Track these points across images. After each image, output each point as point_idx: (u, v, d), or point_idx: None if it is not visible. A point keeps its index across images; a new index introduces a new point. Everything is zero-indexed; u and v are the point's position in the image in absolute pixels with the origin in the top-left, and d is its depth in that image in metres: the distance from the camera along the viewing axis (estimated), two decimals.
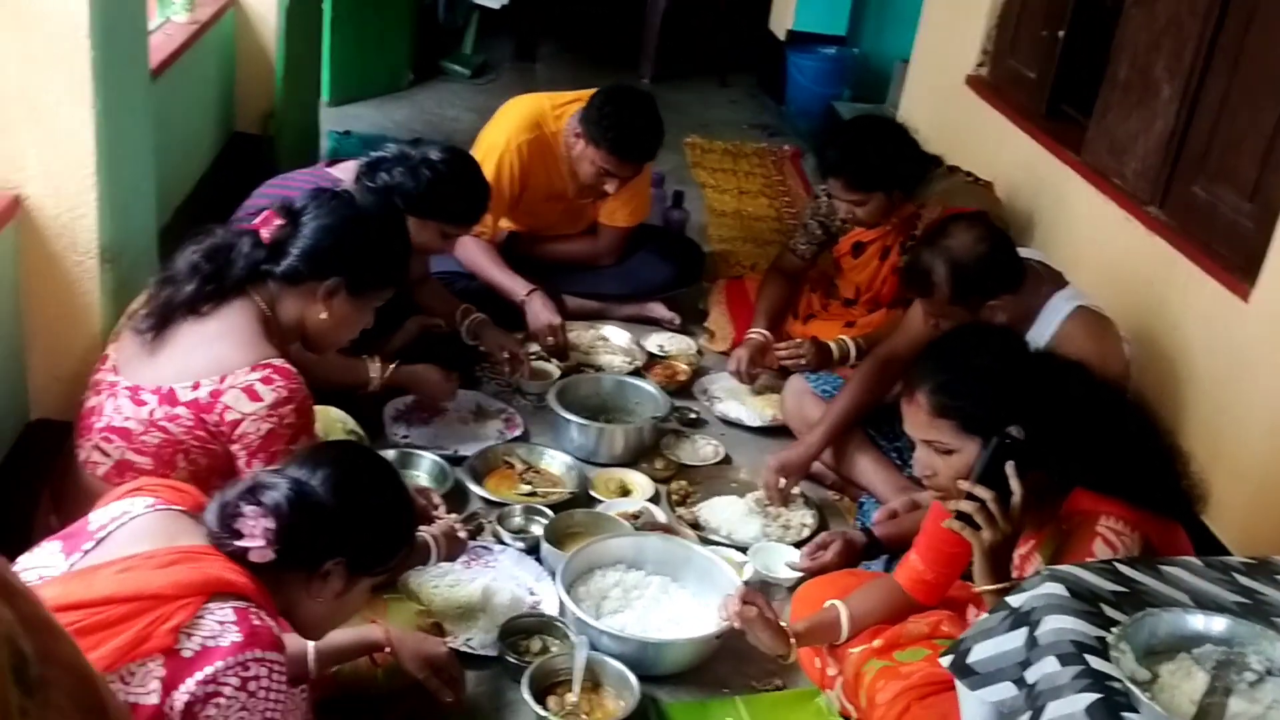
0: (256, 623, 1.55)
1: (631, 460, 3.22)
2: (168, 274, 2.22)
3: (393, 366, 3.04)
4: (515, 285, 3.63)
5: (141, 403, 2.14)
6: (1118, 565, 1.57)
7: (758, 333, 3.58)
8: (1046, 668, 1.39)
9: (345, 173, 2.99)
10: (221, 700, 1.49)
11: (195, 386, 2.12)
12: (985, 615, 1.61)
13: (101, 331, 2.44)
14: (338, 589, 1.74)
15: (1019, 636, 1.49)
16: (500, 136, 3.64)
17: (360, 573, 1.77)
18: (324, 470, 1.74)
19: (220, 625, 1.52)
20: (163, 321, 2.17)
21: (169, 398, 2.12)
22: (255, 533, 1.64)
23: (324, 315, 2.29)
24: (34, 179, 2.32)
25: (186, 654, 1.49)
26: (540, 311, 3.59)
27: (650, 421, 3.30)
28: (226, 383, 2.11)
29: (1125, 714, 1.27)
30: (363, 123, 5.31)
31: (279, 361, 2.16)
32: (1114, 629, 1.36)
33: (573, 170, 3.67)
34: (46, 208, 2.34)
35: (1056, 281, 2.84)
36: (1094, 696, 1.30)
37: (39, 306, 2.44)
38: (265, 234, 2.25)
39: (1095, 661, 1.34)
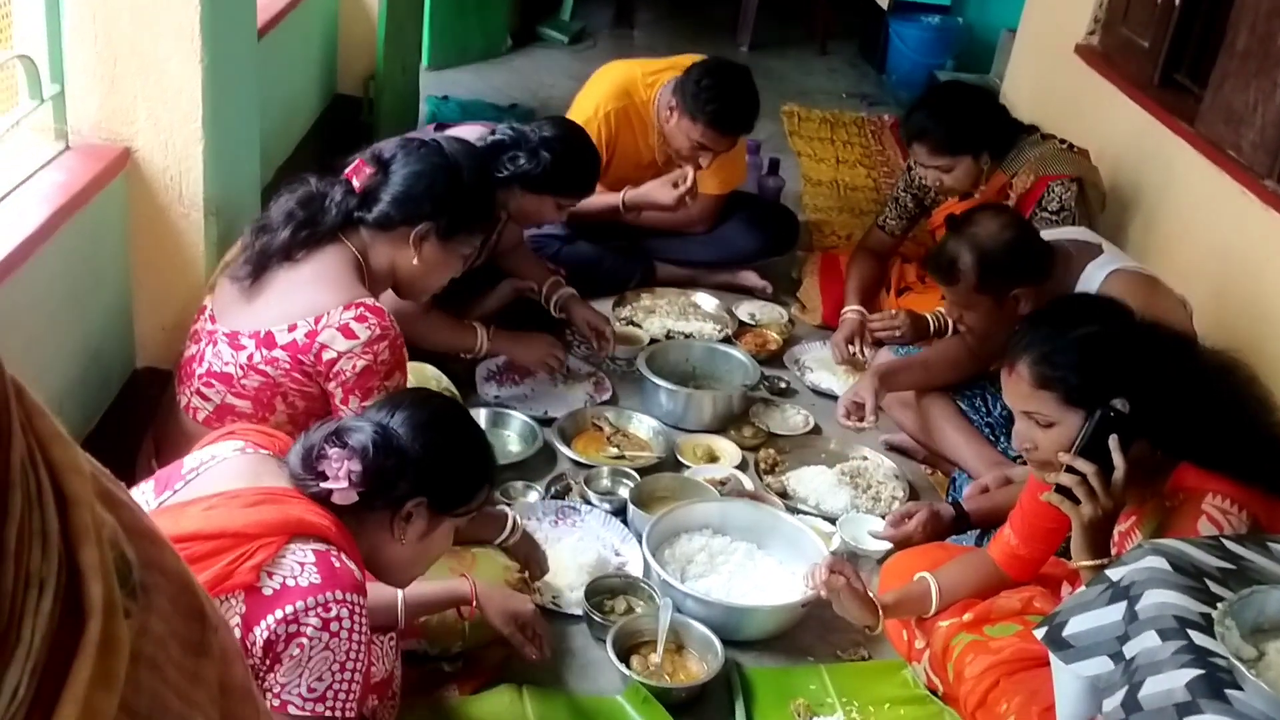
0: (337, 565, 1.58)
1: (720, 427, 3.21)
2: (263, 223, 2.27)
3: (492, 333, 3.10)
4: (609, 197, 3.63)
5: (240, 347, 2.19)
6: (1224, 541, 1.51)
7: (854, 310, 3.53)
8: (1146, 642, 1.36)
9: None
10: (304, 640, 1.52)
11: (292, 328, 2.16)
12: (1082, 588, 1.57)
13: (206, 282, 2.50)
14: (421, 529, 1.77)
15: (1117, 610, 1.45)
16: (590, 104, 3.64)
17: (443, 512, 1.79)
18: (405, 412, 1.76)
19: (301, 566, 1.55)
20: (259, 269, 2.22)
21: (266, 341, 2.17)
22: (340, 474, 1.66)
23: (415, 261, 2.33)
24: (143, 132, 2.37)
25: (267, 592, 1.52)
26: (652, 188, 3.59)
27: (740, 389, 3.28)
28: (322, 323, 2.15)
29: (1229, 691, 1.23)
30: (460, 88, 5.34)
31: (371, 301, 2.20)
32: (1220, 605, 1.31)
33: (662, 139, 3.65)
34: (155, 160, 2.39)
35: (1089, 253, 2.76)
36: (1196, 672, 1.26)
37: (146, 257, 2.50)
38: (357, 182, 2.30)
39: (1198, 637, 1.30)
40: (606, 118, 3.62)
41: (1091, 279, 2.68)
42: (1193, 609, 1.35)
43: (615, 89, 3.64)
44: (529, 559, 2.41)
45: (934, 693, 2.34)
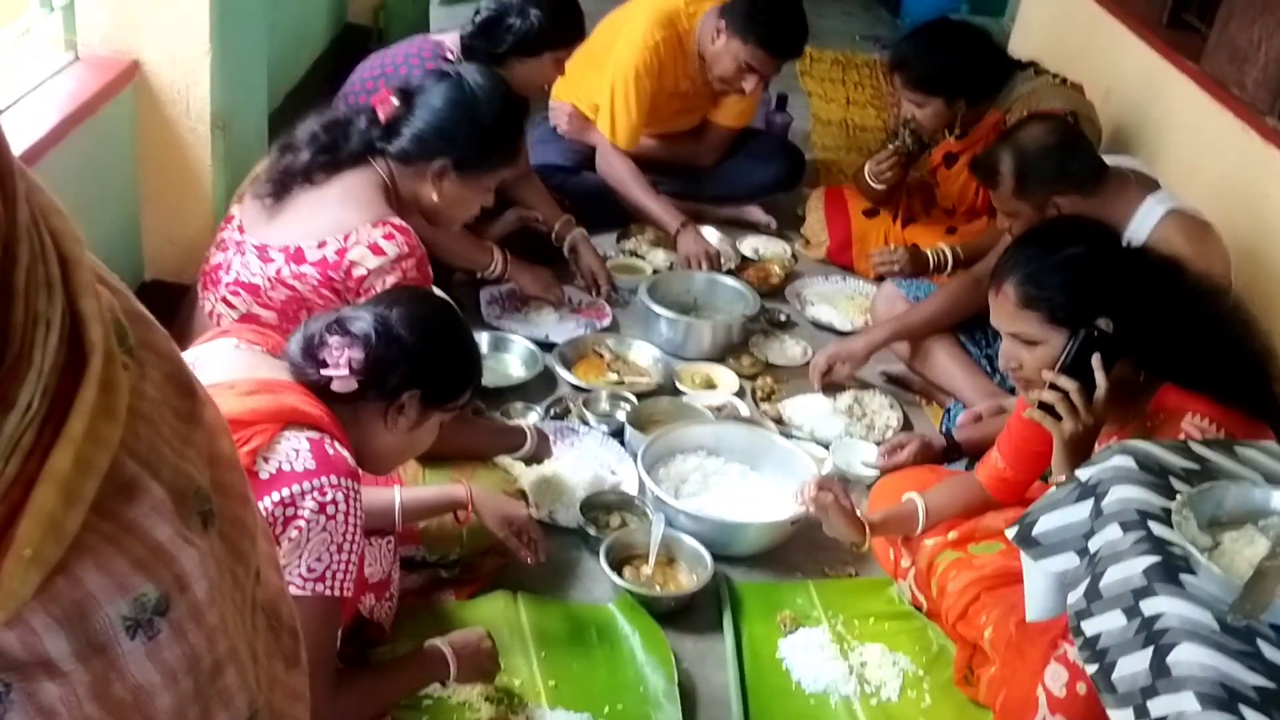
0: (331, 452, 1.64)
1: (719, 356, 3.25)
2: (287, 142, 2.32)
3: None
4: (667, 217, 3.66)
5: (269, 260, 2.24)
6: (1191, 444, 1.56)
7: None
8: (1109, 535, 1.40)
9: (450, 38, 3.07)
10: (301, 522, 1.58)
11: (321, 245, 2.22)
12: (1053, 489, 1.61)
13: (213, 197, 2.55)
14: (412, 420, 1.83)
15: (1085, 508, 1.50)
16: (640, 33, 3.61)
17: (433, 406, 1.85)
18: (403, 308, 1.82)
19: (295, 452, 1.60)
20: (281, 187, 2.27)
21: (296, 256, 2.23)
22: (340, 362, 1.72)
23: (435, 196, 2.36)
24: (151, 46, 2.40)
25: (263, 476, 1.58)
26: (695, 245, 3.61)
27: (739, 319, 3.32)
28: (351, 240, 2.21)
29: (1183, 575, 1.28)
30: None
31: (397, 220, 2.25)
32: (1178, 497, 1.36)
33: (701, 70, 3.64)
34: (163, 74, 2.43)
35: (1148, 186, 2.77)
36: (1153, 559, 1.31)
37: (154, 171, 2.54)
38: (381, 113, 2.33)
39: (1157, 528, 1.34)
40: (656, 48, 3.61)
41: (1152, 212, 2.69)
42: (1155, 503, 1.39)
43: (662, 17, 3.62)
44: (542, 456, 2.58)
45: (918, 609, 2.40)
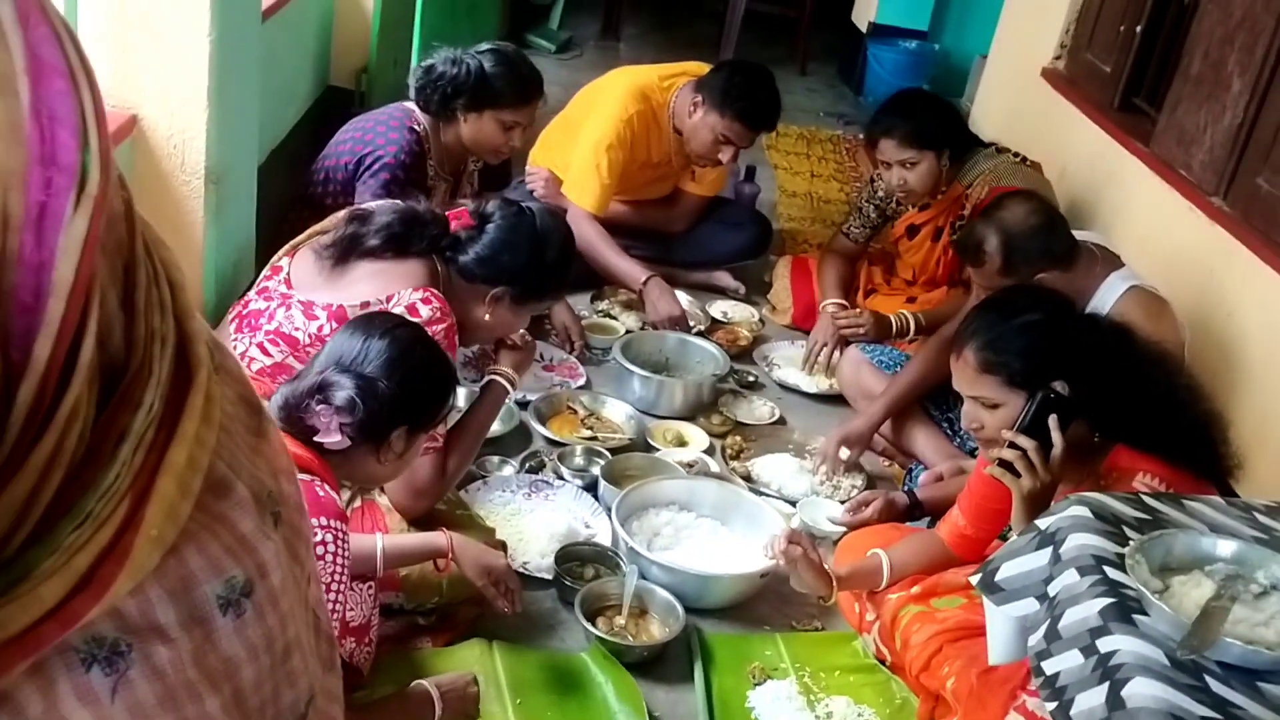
0: (321, 494, 1.70)
1: (690, 415, 3.34)
2: (362, 213, 2.44)
3: None
4: (633, 271, 3.73)
5: (314, 317, 2.33)
6: (1143, 496, 1.66)
7: (834, 303, 3.67)
8: (1067, 580, 1.49)
9: (419, 110, 3.20)
10: None
11: (364, 306, 2.30)
12: (1014, 538, 1.70)
13: (204, 249, 2.61)
14: (400, 450, 1.93)
15: (1044, 555, 1.59)
16: (616, 107, 3.73)
17: (419, 430, 1.96)
18: (376, 352, 1.90)
19: None
20: (344, 254, 2.39)
21: (338, 314, 2.31)
22: (331, 427, 1.79)
23: (487, 317, 2.48)
24: (150, 100, 2.48)
25: None
26: (659, 301, 3.68)
27: (710, 379, 3.41)
28: (392, 302, 2.31)
29: (1136, 615, 1.37)
30: None
31: (436, 292, 2.36)
32: (1130, 543, 1.45)
33: (675, 141, 3.77)
34: (160, 128, 2.50)
35: (1112, 263, 2.91)
36: (1108, 601, 1.40)
37: (148, 221, 2.60)
38: (455, 226, 2.45)
39: (1112, 572, 1.44)
40: (631, 121, 3.72)
41: (1114, 288, 2.82)
42: (1109, 549, 1.49)
43: (635, 91, 3.75)
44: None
45: (882, 663, 2.47)
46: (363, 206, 2.51)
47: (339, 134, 3.24)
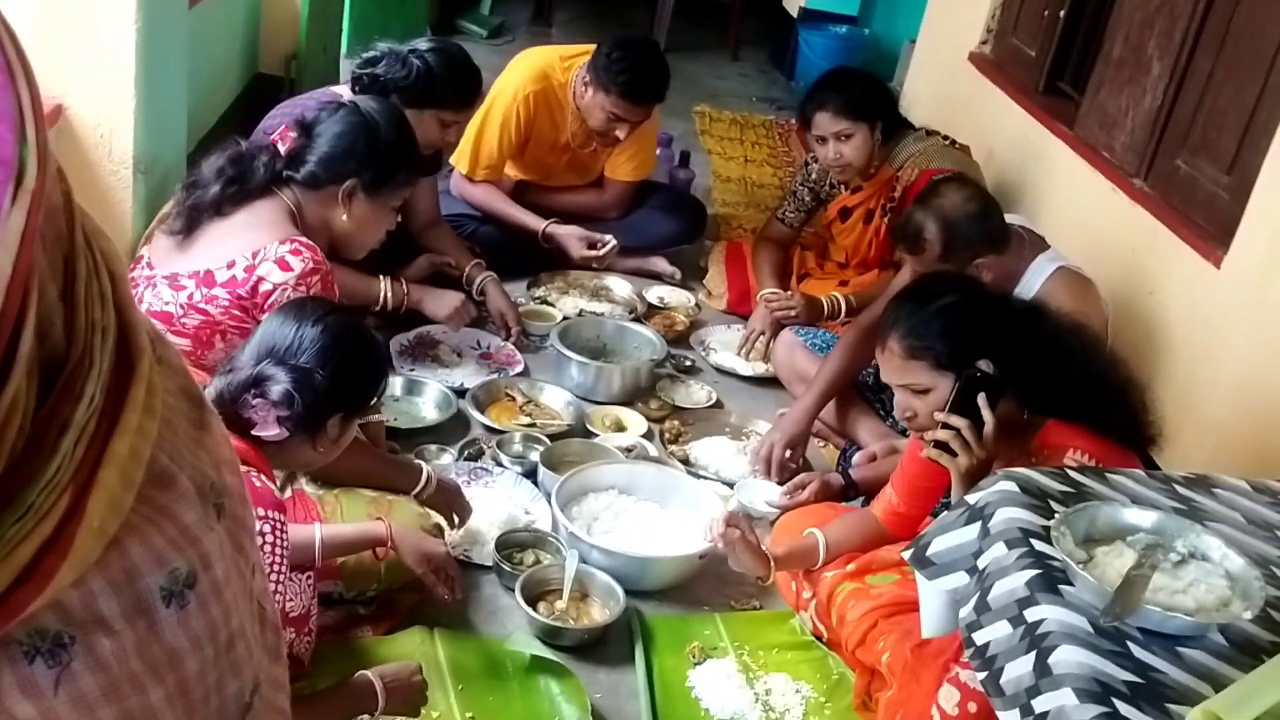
0: (258, 484, 1.70)
1: (628, 400, 3.35)
2: (193, 179, 2.39)
3: (405, 287, 3.21)
4: (530, 219, 3.83)
5: (180, 287, 2.30)
6: (1068, 470, 1.71)
7: (770, 292, 3.69)
8: (995, 553, 1.54)
9: (346, 90, 3.17)
10: None
11: (230, 265, 2.28)
12: (945, 514, 1.75)
13: (132, 239, 2.58)
14: (334, 436, 1.94)
15: (973, 530, 1.63)
16: (509, 87, 3.78)
17: (353, 416, 1.97)
18: (309, 340, 1.90)
19: None
20: (191, 222, 2.34)
21: (206, 280, 2.29)
22: (269, 420, 1.79)
23: (345, 217, 2.45)
24: (75, 89, 2.45)
25: None
26: (568, 239, 3.79)
27: (648, 364, 3.43)
28: (259, 257, 2.28)
29: (1062, 585, 1.42)
30: None
31: (304, 238, 2.34)
32: (1055, 516, 1.50)
33: (579, 120, 3.80)
34: (86, 117, 2.47)
35: (1038, 245, 2.98)
36: (1035, 572, 1.44)
37: (87, 212, 2.57)
38: (283, 147, 2.42)
39: (1039, 544, 1.48)
40: (525, 100, 3.75)
41: (1041, 269, 2.88)
42: (1036, 522, 1.53)
43: (534, 72, 3.78)
44: (451, 507, 2.52)
45: (819, 639, 2.52)
46: (192, 174, 2.47)
47: (267, 118, 3.19)
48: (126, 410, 0.59)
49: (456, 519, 2.54)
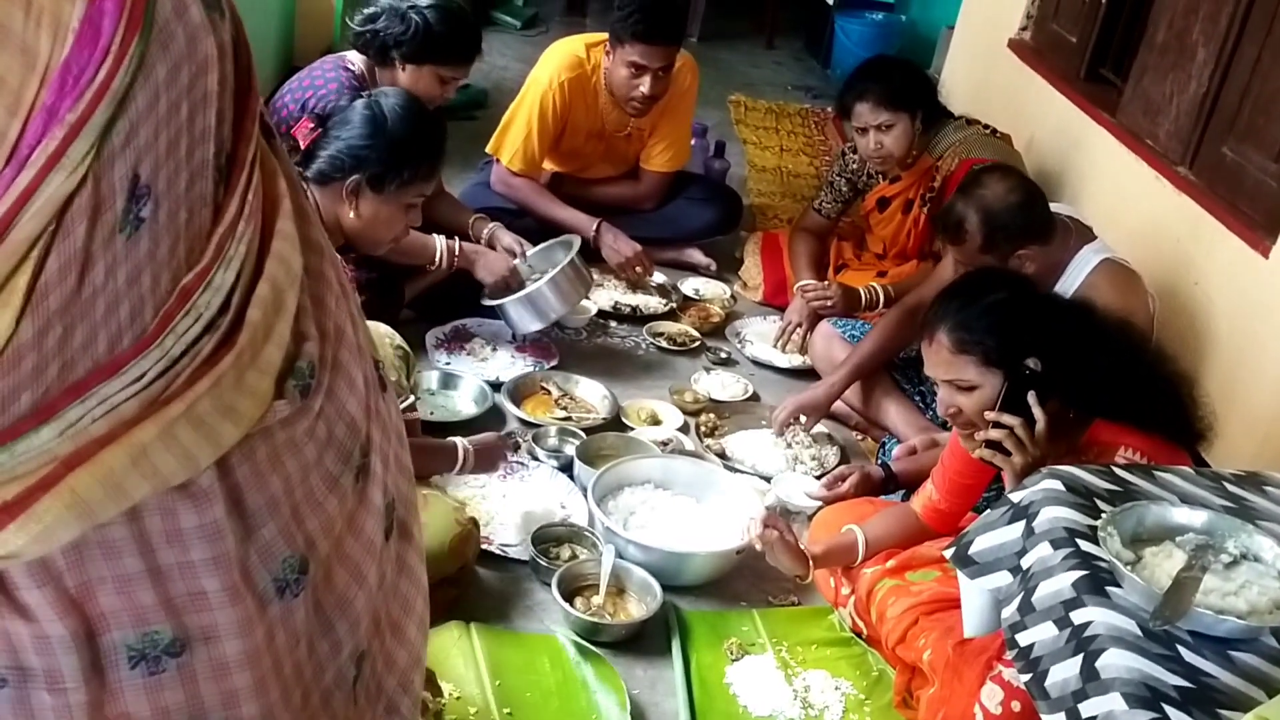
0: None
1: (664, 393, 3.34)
2: None
3: (459, 245, 3.26)
4: (581, 221, 3.77)
5: None
6: (1114, 468, 1.67)
7: (808, 283, 3.66)
8: (1040, 552, 1.51)
9: (353, 54, 3.21)
10: None
11: None
12: (988, 511, 1.72)
13: None
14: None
15: (1018, 529, 1.60)
16: (543, 75, 3.78)
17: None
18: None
19: None
20: None
21: None
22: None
23: (352, 215, 2.45)
24: None
25: None
26: (617, 243, 3.75)
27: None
28: None
29: (1109, 587, 1.38)
30: None
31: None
32: (1103, 516, 1.47)
33: (613, 105, 3.77)
34: None
35: (1085, 235, 2.92)
36: (1081, 573, 1.41)
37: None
38: (301, 140, 2.42)
39: (1085, 545, 1.45)
40: (561, 87, 3.74)
41: (1086, 261, 2.82)
42: (1082, 522, 1.50)
43: (567, 60, 3.77)
44: (495, 460, 2.59)
45: (859, 636, 2.49)
46: None
47: (277, 95, 3.22)
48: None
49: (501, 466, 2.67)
